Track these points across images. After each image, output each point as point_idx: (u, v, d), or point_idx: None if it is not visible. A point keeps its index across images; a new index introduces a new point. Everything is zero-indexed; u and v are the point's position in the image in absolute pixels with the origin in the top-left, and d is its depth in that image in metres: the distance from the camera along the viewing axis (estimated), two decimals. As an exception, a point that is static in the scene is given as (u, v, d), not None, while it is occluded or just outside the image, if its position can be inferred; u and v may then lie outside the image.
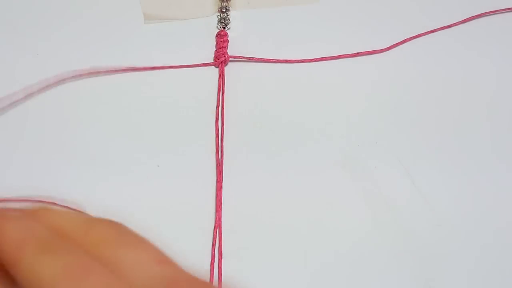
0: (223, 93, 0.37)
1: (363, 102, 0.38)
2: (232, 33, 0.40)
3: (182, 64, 0.38)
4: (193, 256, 0.32)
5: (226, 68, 0.38)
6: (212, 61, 0.38)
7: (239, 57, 0.38)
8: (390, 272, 0.32)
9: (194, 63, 0.38)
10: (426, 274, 0.32)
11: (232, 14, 0.41)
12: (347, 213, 0.33)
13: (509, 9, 0.40)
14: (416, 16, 0.41)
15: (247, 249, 0.32)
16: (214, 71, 0.38)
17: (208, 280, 0.31)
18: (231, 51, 0.39)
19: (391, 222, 0.33)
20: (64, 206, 0.31)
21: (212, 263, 0.31)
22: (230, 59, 0.38)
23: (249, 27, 0.41)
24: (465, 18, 0.40)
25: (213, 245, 0.32)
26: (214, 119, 0.36)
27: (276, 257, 0.32)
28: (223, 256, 0.32)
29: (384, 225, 0.33)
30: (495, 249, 0.33)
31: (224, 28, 0.40)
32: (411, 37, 0.39)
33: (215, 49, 0.39)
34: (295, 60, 0.39)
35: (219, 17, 0.40)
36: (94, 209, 0.33)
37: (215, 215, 0.33)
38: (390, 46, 0.39)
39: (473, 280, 0.32)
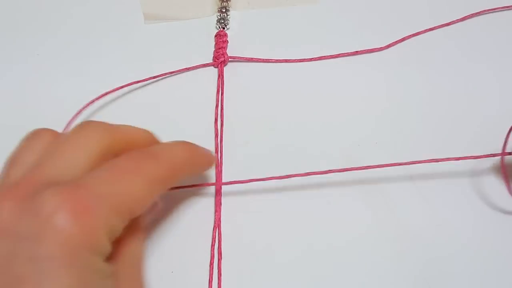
0: (222, 94, 0.37)
1: (362, 101, 0.38)
2: (231, 33, 0.40)
3: (182, 68, 0.38)
4: (193, 256, 0.32)
5: (225, 69, 0.38)
6: (212, 61, 0.39)
7: (238, 57, 0.38)
8: (390, 272, 0.32)
9: (194, 63, 0.38)
10: (426, 274, 0.32)
11: (232, 14, 0.41)
12: (347, 213, 0.33)
13: (508, 7, 0.40)
14: (415, 14, 0.40)
15: (247, 249, 0.32)
16: (214, 71, 0.39)
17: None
18: (230, 51, 0.39)
19: (391, 222, 0.33)
20: None
21: (211, 264, 0.32)
22: (230, 59, 0.39)
23: (248, 27, 0.40)
24: (464, 16, 0.39)
25: (213, 245, 0.32)
26: (214, 120, 0.36)
27: (276, 257, 0.32)
28: (222, 256, 0.32)
29: (384, 225, 0.33)
30: (495, 249, 0.33)
31: (224, 28, 0.40)
32: (410, 35, 0.39)
33: (214, 49, 0.39)
34: (294, 59, 0.39)
35: (219, 17, 0.40)
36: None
37: (215, 215, 0.33)
38: (389, 44, 0.39)
39: (473, 280, 0.32)
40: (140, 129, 0.28)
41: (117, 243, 0.24)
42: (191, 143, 0.29)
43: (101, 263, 0.23)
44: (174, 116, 0.37)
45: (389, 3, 0.41)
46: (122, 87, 0.37)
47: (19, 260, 0.21)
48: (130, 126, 0.28)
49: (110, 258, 0.23)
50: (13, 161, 0.25)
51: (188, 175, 0.30)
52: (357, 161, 0.35)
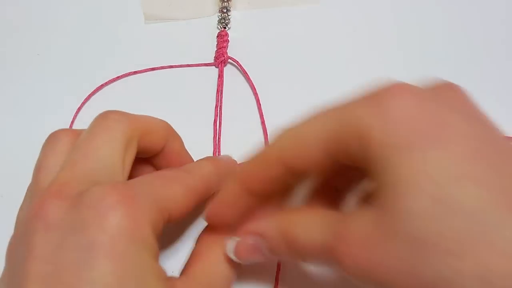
0: (221, 93, 0.37)
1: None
2: (232, 33, 0.40)
3: (182, 64, 0.38)
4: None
5: (225, 69, 0.38)
6: (212, 61, 0.38)
7: (237, 62, 0.38)
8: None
9: (194, 63, 0.38)
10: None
11: (233, 14, 0.41)
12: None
13: None
14: (415, 14, 0.40)
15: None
16: (214, 71, 0.38)
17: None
18: (231, 51, 0.39)
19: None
20: None
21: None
22: (229, 59, 0.38)
23: (249, 27, 0.40)
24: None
25: (211, 246, 0.32)
26: (213, 119, 0.36)
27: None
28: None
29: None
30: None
31: (225, 28, 0.40)
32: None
33: (215, 49, 0.39)
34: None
35: (220, 17, 0.40)
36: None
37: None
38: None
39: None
40: (157, 118, 0.29)
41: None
42: (215, 158, 0.31)
43: (152, 261, 0.22)
44: (174, 115, 0.36)
45: (389, 3, 0.41)
46: (118, 77, 0.37)
47: (65, 250, 0.21)
48: (148, 116, 0.28)
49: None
50: (39, 167, 0.25)
51: (218, 187, 0.30)
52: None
